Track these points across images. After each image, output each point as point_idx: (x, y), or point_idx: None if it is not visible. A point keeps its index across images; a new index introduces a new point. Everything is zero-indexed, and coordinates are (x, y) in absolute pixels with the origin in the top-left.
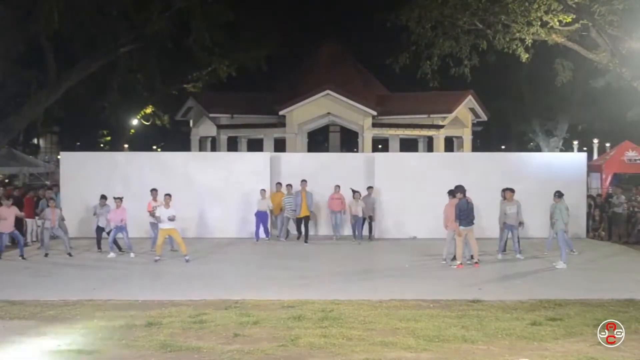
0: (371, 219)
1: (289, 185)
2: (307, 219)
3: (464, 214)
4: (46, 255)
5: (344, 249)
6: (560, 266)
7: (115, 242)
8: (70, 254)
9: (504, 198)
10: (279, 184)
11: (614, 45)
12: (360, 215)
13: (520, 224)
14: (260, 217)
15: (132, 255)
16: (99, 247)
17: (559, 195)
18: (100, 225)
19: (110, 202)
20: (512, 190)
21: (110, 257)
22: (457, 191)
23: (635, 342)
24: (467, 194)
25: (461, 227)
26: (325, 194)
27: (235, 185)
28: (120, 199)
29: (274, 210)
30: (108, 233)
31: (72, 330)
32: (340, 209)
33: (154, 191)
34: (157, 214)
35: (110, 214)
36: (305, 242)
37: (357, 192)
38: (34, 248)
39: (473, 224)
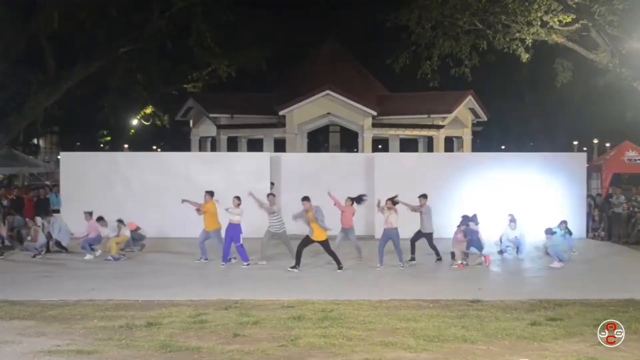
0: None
1: (272, 195)
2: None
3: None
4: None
5: (344, 249)
6: (556, 265)
7: (58, 243)
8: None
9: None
10: (210, 192)
11: (614, 45)
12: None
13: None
14: (234, 231)
15: (87, 257)
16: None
17: (550, 232)
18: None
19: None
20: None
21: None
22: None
23: (635, 342)
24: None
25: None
26: (323, 194)
27: (235, 186)
28: (90, 213)
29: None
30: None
31: (71, 330)
32: (352, 226)
33: None
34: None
35: (88, 230)
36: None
37: (379, 199)
38: None
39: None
